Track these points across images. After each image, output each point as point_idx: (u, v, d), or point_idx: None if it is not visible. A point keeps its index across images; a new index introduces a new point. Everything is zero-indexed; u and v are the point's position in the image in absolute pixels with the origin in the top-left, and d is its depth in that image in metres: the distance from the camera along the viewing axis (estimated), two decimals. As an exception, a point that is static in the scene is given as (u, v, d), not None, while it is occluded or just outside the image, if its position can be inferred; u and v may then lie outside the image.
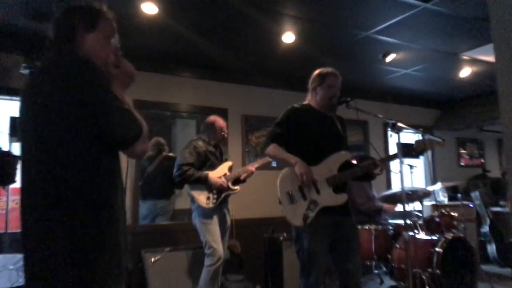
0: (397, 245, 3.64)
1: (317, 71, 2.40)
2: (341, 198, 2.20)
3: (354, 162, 2.35)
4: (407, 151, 2.30)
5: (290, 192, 2.16)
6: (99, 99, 1.15)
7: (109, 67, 1.29)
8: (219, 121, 3.45)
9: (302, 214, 2.11)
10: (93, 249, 1.11)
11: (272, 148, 2.25)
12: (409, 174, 4.13)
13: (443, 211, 3.88)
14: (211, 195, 3.24)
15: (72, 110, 1.12)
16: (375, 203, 4.34)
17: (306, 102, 2.45)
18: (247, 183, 3.53)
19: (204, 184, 3.22)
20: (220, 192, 3.26)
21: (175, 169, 3.25)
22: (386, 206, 4.21)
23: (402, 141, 2.30)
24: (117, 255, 1.18)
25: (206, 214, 3.21)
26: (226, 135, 3.52)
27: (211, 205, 3.20)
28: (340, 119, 2.44)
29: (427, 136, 2.30)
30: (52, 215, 1.10)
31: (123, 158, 1.28)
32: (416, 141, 2.30)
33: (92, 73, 1.16)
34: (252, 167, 3.43)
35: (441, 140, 2.33)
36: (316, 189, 2.16)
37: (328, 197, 2.17)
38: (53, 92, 1.12)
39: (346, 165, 2.26)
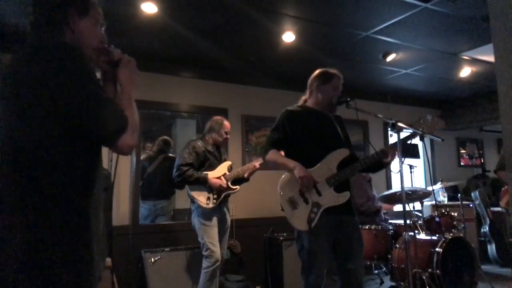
0: (397, 245, 3.64)
1: (321, 70, 2.38)
2: (343, 197, 2.18)
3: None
4: (407, 137, 2.25)
5: (292, 198, 2.14)
6: (82, 90, 1.03)
7: (103, 66, 1.24)
8: (227, 122, 3.48)
9: (306, 218, 2.09)
10: (57, 262, 0.98)
11: (271, 154, 2.24)
12: (409, 174, 4.13)
13: (443, 211, 3.89)
14: (211, 195, 3.24)
15: (48, 101, 1.01)
16: (375, 203, 4.35)
17: (301, 102, 2.43)
18: (248, 183, 3.53)
19: (204, 184, 3.22)
20: (220, 191, 3.26)
21: (174, 170, 3.25)
22: (385, 206, 4.21)
23: (402, 140, 2.28)
24: (86, 268, 1.04)
25: (206, 215, 3.21)
26: (227, 138, 3.52)
27: (211, 205, 3.20)
28: (338, 119, 2.43)
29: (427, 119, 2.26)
30: (14, 220, 0.98)
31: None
32: (414, 123, 2.25)
33: (79, 61, 1.06)
34: (256, 163, 3.41)
35: (442, 141, 2.32)
36: (317, 191, 2.15)
37: (330, 198, 2.16)
38: (34, 79, 1.02)
39: (345, 162, 2.24)
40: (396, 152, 2.22)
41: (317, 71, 2.40)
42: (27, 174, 1.00)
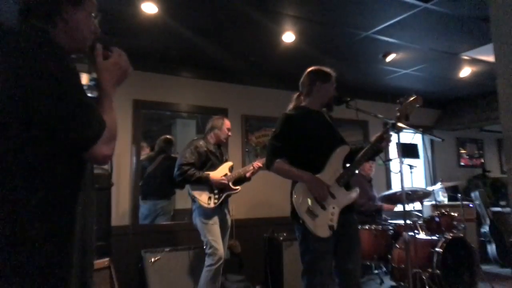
0: (397, 245, 3.64)
1: (317, 68, 2.36)
2: (354, 193, 2.20)
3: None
4: (392, 123, 2.25)
5: (310, 208, 2.10)
6: (56, 91, 0.95)
7: (97, 56, 1.15)
8: (227, 120, 3.49)
9: (327, 225, 2.08)
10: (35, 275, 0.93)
11: (278, 165, 2.19)
12: (409, 174, 4.13)
13: (443, 211, 3.88)
14: (212, 195, 3.24)
15: (25, 101, 0.93)
16: (376, 203, 4.35)
17: (295, 102, 2.41)
18: (248, 183, 3.53)
19: (205, 184, 3.22)
20: (222, 191, 3.27)
21: (175, 169, 3.25)
22: (385, 206, 4.21)
23: (402, 141, 2.29)
24: (64, 279, 0.98)
25: (207, 214, 3.21)
26: (229, 135, 3.53)
27: (212, 205, 3.21)
28: (328, 113, 2.42)
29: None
30: None
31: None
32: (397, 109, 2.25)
33: (59, 61, 0.99)
34: (259, 162, 3.41)
35: (442, 141, 2.32)
36: (331, 194, 2.14)
37: (344, 198, 2.16)
38: (8, 71, 0.95)
39: (348, 158, 2.24)
40: (388, 134, 2.21)
41: (312, 69, 2.37)
42: (2, 181, 0.93)
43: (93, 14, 1.16)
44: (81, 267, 1.04)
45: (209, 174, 3.24)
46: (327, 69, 2.35)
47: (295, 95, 2.45)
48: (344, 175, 2.18)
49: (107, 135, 1.02)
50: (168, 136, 4.64)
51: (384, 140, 2.20)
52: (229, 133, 3.48)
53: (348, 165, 2.24)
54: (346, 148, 2.25)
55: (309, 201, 2.11)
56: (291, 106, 2.43)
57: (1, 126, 0.94)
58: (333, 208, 2.12)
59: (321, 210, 2.11)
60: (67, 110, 0.96)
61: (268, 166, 2.25)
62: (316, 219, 2.09)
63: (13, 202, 0.93)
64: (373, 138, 2.25)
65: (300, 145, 2.22)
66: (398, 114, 2.25)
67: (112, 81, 1.14)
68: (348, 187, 2.20)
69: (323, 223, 2.08)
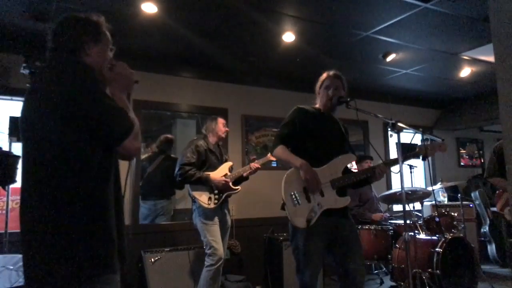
0: (397, 245, 3.64)
1: (324, 72, 2.44)
2: (345, 201, 2.21)
3: (355, 169, 2.35)
4: (409, 155, 2.30)
5: (295, 194, 2.15)
6: (92, 99, 1.23)
7: (103, 71, 1.40)
8: (220, 118, 3.52)
9: (306, 216, 2.10)
10: (85, 243, 1.18)
11: (279, 150, 2.24)
12: (409, 174, 4.13)
13: (443, 211, 3.88)
14: (212, 196, 3.24)
15: (71, 110, 1.20)
16: (375, 205, 4.35)
17: (316, 105, 2.47)
18: (248, 183, 3.54)
19: (205, 184, 3.23)
20: (222, 192, 3.27)
21: (176, 169, 3.26)
22: (374, 216, 4.18)
23: (402, 141, 2.29)
24: (110, 247, 1.24)
25: (207, 214, 3.21)
26: (227, 130, 3.55)
27: (212, 206, 3.21)
28: (344, 125, 2.46)
29: (430, 140, 2.31)
30: (49, 215, 1.16)
31: (124, 163, 1.31)
32: (419, 146, 2.31)
33: (91, 79, 1.27)
34: (257, 163, 3.43)
35: (442, 141, 2.32)
36: (320, 191, 2.16)
37: (331, 200, 2.17)
38: (57, 95, 1.20)
39: (346, 169, 2.28)
40: (383, 172, 2.26)
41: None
42: (53, 173, 1.18)
43: (110, 47, 1.43)
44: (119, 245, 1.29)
45: (209, 174, 3.24)
46: (325, 73, 2.40)
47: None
48: (340, 180, 2.21)
49: (136, 131, 1.30)
50: (168, 136, 4.64)
51: (373, 173, 2.25)
52: (227, 128, 3.52)
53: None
54: (352, 157, 2.29)
55: (297, 188, 2.15)
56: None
57: (60, 131, 1.20)
58: (318, 204, 2.14)
59: (305, 201, 2.14)
60: (106, 113, 1.24)
61: (271, 151, 2.33)
62: (297, 207, 2.13)
63: (61, 188, 1.18)
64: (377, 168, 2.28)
65: (304, 137, 2.26)
66: (417, 150, 2.29)
67: (119, 88, 1.40)
68: (341, 194, 2.21)
69: (302, 214, 2.11)
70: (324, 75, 2.39)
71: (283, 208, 2.18)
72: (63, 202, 1.17)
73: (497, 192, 3.59)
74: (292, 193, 2.15)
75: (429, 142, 2.31)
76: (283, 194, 2.15)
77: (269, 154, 3.44)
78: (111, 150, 1.30)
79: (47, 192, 1.18)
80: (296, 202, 2.14)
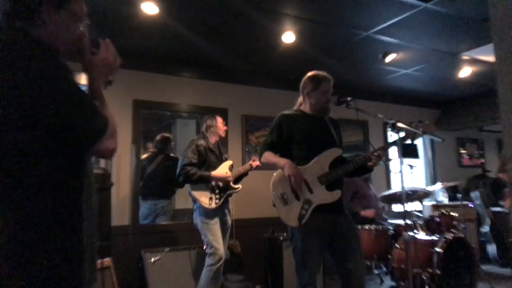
0: (397, 245, 3.64)
1: (310, 75, 2.38)
2: (335, 195, 2.19)
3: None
4: (397, 140, 2.27)
5: (283, 194, 2.18)
6: (56, 90, 0.96)
7: (85, 54, 1.14)
8: (218, 117, 3.52)
9: (297, 214, 2.12)
10: (46, 261, 0.96)
11: (266, 155, 2.31)
12: (409, 174, 4.13)
13: (443, 211, 3.88)
14: (213, 196, 3.24)
15: (24, 104, 0.92)
16: (374, 203, 4.34)
17: (297, 106, 2.45)
18: (248, 183, 3.53)
19: (207, 183, 3.23)
20: (223, 191, 3.27)
21: (178, 169, 3.25)
22: (363, 212, 4.16)
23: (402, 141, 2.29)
24: (78, 269, 1.02)
25: (208, 214, 3.21)
26: (226, 128, 3.56)
27: (213, 206, 3.21)
28: (333, 121, 2.43)
29: (416, 122, 2.29)
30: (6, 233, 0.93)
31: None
32: (406, 130, 2.27)
33: (51, 61, 0.99)
34: (254, 162, 3.44)
35: (442, 140, 2.32)
36: (308, 188, 2.17)
37: (321, 195, 2.17)
38: (4, 85, 0.93)
39: (338, 161, 2.25)
40: (380, 155, 2.24)
41: (307, 75, 2.40)
42: (11, 179, 0.94)
43: (81, 19, 1.11)
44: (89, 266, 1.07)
45: (210, 173, 3.25)
46: (320, 75, 2.35)
47: (300, 98, 2.47)
48: (328, 175, 2.20)
49: (111, 130, 1.05)
50: (165, 134, 4.62)
51: (371, 160, 2.23)
52: (225, 127, 3.53)
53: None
54: (337, 151, 2.27)
55: (285, 188, 2.18)
56: (294, 107, 2.48)
57: (4, 130, 0.93)
58: (307, 201, 2.14)
59: (294, 199, 2.17)
60: (70, 110, 0.97)
61: (259, 158, 2.40)
62: (287, 206, 2.16)
63: (23, 202, 0.94)
64: (368, 154, 2.26)
65: (291, 143, 2.28)
66: (405, 135, 2.28)
67: (101, 77, 1.15)
68: (330, 188, 2.20)
69: (293, 212, 2.14)
70: (319, 77, 2.34)
71: (275, 205, 2.21)
72: (16, 229, 0.93)
73: (507, 189, 3.57)
74: (281, 194, 2.18)
75: (414, 125, 2.28)
76: (272, 196, 2.19)
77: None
78: (82, 154, 1.06)
79: (4, 202, 0.93)
80: (285, 202, 2.17)
